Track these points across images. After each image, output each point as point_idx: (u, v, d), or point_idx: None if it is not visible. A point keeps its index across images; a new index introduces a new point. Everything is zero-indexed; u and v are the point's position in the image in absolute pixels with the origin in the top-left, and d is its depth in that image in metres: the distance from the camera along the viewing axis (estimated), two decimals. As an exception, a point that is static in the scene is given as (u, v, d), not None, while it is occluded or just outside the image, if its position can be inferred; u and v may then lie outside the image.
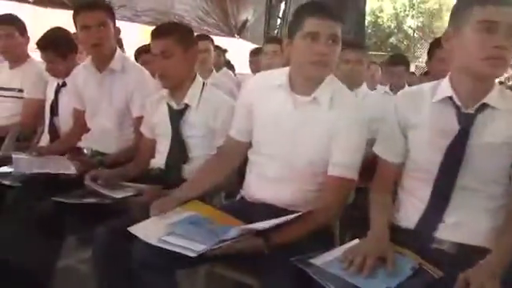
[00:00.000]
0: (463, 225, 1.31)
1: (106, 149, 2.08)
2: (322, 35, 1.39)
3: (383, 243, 1.26)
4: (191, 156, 1.79)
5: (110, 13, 2.02)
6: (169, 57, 1.71)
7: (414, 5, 16.49)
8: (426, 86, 1.45)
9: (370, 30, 14.57)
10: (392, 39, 15.96)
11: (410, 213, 1.41)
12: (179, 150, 1.79)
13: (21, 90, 2.56)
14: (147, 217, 1.44)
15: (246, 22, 9.60)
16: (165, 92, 1.84)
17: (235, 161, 1.66)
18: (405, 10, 16.67)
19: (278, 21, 10.29)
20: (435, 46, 2.39)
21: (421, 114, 1.38)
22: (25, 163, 1.85)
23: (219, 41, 5.14)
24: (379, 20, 16.52)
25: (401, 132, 1.43)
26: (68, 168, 1.82)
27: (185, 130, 1.79)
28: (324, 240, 1.46)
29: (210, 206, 1.54)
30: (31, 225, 1.59)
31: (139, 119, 2.00)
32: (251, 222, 1.40)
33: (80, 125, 2.22)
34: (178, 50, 1.72)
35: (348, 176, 1.46)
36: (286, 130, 1.49)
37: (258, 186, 1.57)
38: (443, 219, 1.33)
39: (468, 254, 1.28)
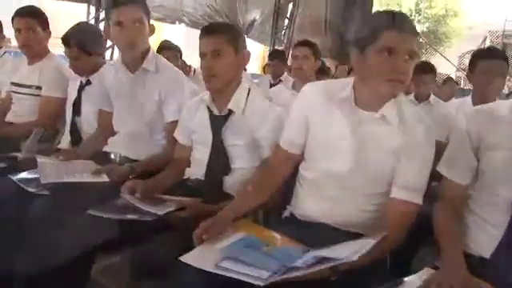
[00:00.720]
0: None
1: (135, 155, 1.94)
2: (401, 50, 1.26)
3: (463, 275, 1.15)
4: (233, 167, 1.66)
5: (146, 9, 1.88)
6: (219, 56, 1.58)
7: (420, 10, 16.44)
8: (503, 104, 1.35)
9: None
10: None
11: (483, 240, 1.30)
12: (220, 159, 1.65)
13: (39, 87, 2.41)
14: (190, 233, 1.32)
15: (253, 21, 9.51)
16: (206, 96, 1.71)
17: (284, 174, 1.54)
18: (411, 15, 16.62)
19: (286, 21, 10.24)
20: (478, 56, 2.29)
21: (499, 135, 1.28)
22: (51, 170, 1.71)
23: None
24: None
25: (473, 152, 1.33)
26: (100, 175, 1.69)
27: (227, 138, 1.66)
28: (375, 264, 1.35)
29: (258, 226, 1.42)
30: (62, 238, 1.45)
31: (173, 124, 1.87)
32: (307, 243, 1.29)
33: (106, 127, 2.08)
34: (230, 50, 1.59)
35: (413, 200, 1.35)
36: (348, 146, 1.38)
37: (312, 204, 1.46)
38: None
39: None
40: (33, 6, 2.38)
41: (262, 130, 1.63)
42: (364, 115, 1.38)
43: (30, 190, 1.62)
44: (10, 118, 2.46)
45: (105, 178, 1.67)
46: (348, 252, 1.09)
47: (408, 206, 1.35)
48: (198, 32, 1.68)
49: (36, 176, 1.69)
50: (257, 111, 1.65)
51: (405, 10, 16.76)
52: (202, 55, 1.62)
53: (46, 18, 2.38)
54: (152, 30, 1.93)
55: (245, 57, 1.65)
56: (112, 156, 1.98)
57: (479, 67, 2.24)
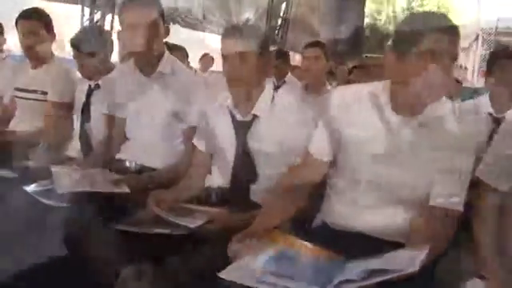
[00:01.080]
0: None
1: (151, 162, 1.86)
2: (444, 54, 1.21)
3: None
4: (260, 174, 1.59)
5: (161, 8, 1.79)
6: (243, 59, 1.52)
7: (412, 8, 16.50)
8: None
9: (367, 32, 14.49)
10: (389, 42, 15.91)
11: None
12: (246, 166, 1.58)
13: (44, 92, 2.32)
14: (222, 247, 1.26)
15: (247, 21, 9.45)
16: (228, 100, 1.64)
17: (314, 182, 1.47)
18: (403, 13, 16.64)
19: (279, 20, 10.19)
20: (499, 56, 2.25)
21: None
22: (67, 179, 1.62)
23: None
24: (377, 22, 16.55)
25: None
26: (119, 185, 1.61)
27: (252, 144, 1.58)
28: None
29: (293, 237, 1.36)
30: (86, 251, 1.38)
31: (191, 130, 1.79)
32: (344, 253, 1.24)
33: (116, 134, 1.99)
34: (254, 52, 1.53)
35: (455, 207, 1.30)
36: (385, 153, 1.33)
37: (346, 213, 1.41)
38: None
39: None
40: (37, 8, 2.29)
41: (288, 135, 1.57)
42: (402, 120, 1.32)
43: (47, 202, 1.54)
44: (13, 124, 2.37)
45: (125, 189, 1.59)
46: (403, 262, 1.03)
47: (450, 213, 1.30)
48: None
49: (50, 187, 1.60)
50: (283, 115, 1.59)
51: (397, 8, 16.85)
52: (225, 58, 1.56)
53: (51, 21, 2.29)
54: (167, 32, 1.85)
55: (270, 59, 1.59)
56: (127, 164, 1.90)
57: (499, 67, 2.19)
